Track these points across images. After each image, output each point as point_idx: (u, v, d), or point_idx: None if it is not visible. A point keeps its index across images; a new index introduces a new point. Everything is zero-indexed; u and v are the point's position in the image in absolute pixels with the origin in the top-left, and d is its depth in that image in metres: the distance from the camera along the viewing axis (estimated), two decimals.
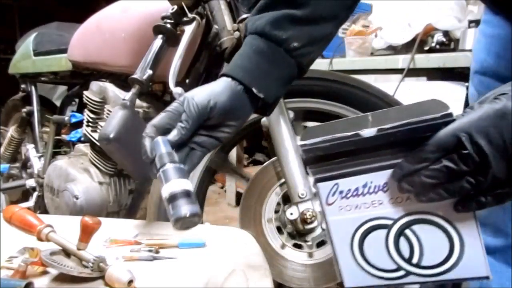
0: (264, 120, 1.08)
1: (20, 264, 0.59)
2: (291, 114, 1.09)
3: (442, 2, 1.69)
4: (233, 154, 2.57)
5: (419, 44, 1.66)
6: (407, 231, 0.44)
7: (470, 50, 1.53)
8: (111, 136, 0.96)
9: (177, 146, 0.55)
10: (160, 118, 0.56)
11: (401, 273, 0.45)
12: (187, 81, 1.21)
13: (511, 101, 0.36)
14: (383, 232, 0.44)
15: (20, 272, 0.59)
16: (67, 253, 0.63)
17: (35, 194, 1.51)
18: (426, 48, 1.72)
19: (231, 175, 1.30)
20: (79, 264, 0.61)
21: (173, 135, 0.55)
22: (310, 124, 1.20)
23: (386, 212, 0.44)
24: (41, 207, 1.47)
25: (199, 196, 1.21)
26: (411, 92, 1.59)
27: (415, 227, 0.43)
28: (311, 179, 0.47)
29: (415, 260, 0.44)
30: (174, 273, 0.63)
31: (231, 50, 1.04)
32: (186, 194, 0.51)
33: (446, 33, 1.69)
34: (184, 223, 0.50)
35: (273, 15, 0.58)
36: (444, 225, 0.42)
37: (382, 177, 0.43)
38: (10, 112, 2.01)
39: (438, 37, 1.68)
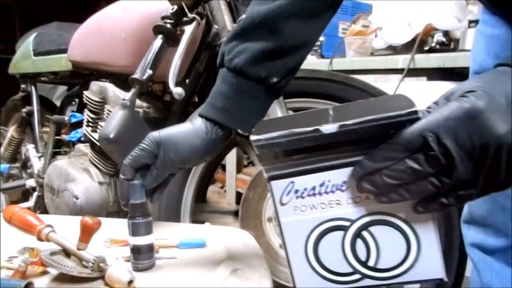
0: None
1: (20, 264, 0.59)
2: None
3: (442, 2, 1.69)
4: (233, 154, 2.57)
5: (419, 44, 1.66)
6: (365, 233, 0.42)
7: (470, 50, 1.53)
8: (111, 136, 0.96)
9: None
10: (135, 159, 0.59)
11: (356, 276, 0.43)
12: (187, 81, 1.21)
13: (481, 100, 0.35)
14: (339, 234, 0.42)
15: (20, 272, 0.59)
16: (67, 253, 0.63)
17: (35, 194, 1.51)
18: (426, 48, 1.72)
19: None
20: (79, 264, 0.61)
21: (148, 182, 0.60)
22: None
23: (344, 212, 0.42)
24: (41, 207, 1.47)
25: (199, 196, 1.21)
26: (411, 92, 1.59)
27: (373, 229, 0.41)
28: (265, 176, 0.43)
29: (371, 262, 0.42)
30: (174, 273, 0.63)
31: None
32: (150, 249, 0.63)
33: (446, 33, 1.69)
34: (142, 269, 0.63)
35: (251, 53, 0.56)
36: (402, 226, 0.41)
37: (341, 175, 0.40)
38: (10, 112, 2.01)
39: (438, 37, 1.68)
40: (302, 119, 0.41)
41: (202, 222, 1.15)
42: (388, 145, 0.37)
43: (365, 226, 0.42)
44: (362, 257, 0.42)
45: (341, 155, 0.40)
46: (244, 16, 0.59)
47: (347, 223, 0.42)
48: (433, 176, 0.36)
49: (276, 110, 1.01)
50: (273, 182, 0.42)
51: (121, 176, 0.60)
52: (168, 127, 0.61)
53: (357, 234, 0.42)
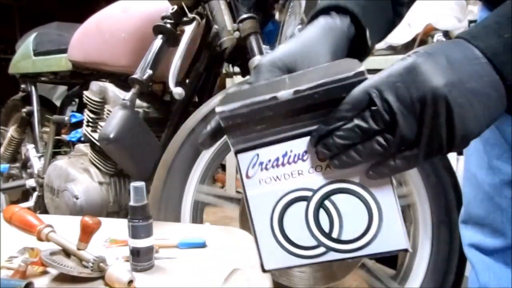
0: None
1: (20, 264, 0.59)
2: None
3: (442, 2, 1.69)
4: (233, 154, 2.57)
5: (419, 44, 1.66)
6: (327, 203, 0.41)
7: None
8: (111, 136, 0.96)
9: None
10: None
11: (321, 250, 0.42)
12: (187, 81, 1.21)
13: (421, 57, 0.36)
14: (303, 205, 0.41)
15: (20, 272, 0.59)
16: (67, 253, 0.63)
17: (35, 194, 1.51)
18: None
19: None
20: (79, 264, 0.61)
21: None
22: None
23: (306, 182, 0.41)
24: (41, 207, 1.47)
25: (205, 177, 1.20)
26: None
27: (335, 198, 0.41)
28: (232, 150, 0.42)
29: (335, 234, 0.41)
30: (174, 273, 0.63)
31: (231, 50, 1.04)
32: (149, 251, 0.64)
33: (446, 33, 1.69)
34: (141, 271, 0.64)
35: None
36: (363, 194, 0.40)
37: (302, 144, 0.40)
38: (10, 112, 2.01)
39: (438, 37, 1.68)
40: (263, 89, 0.41)
41: (203, 204, 1.14)
42: (339, 106, 0.38)
43: (327, 195, 0.41)
44: (326, 228, 0.41)
45: (301, 124, 0.40)
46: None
47: (309, 193, 0.41)
48: (379, 135, 0.37)
49: None
50: (239, 155, 0.42)
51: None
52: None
53: (320, 204, 0.41)
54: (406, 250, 0.41)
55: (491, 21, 0.39)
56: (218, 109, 0.40)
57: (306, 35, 0.48)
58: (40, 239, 0.63)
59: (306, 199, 0.41)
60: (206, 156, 1.12)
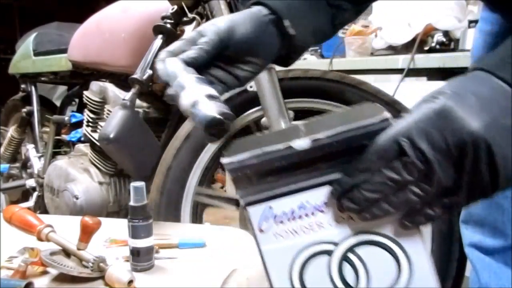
0: (264, 120, 1.08)
1: (20, 264, 0.59)
2: (291, 114, 1.09)
3: (442, 2, 1.69)
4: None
5: (419, 44, 1.66)
6: (351, 255, 0.38)
7: (470, 50, 1.53)
8: (111, 136, 0.96)
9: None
10: (176, 44, 0.51)
11: None
12: None
13: (450, 99, 0.33)
14: (325, 258, 0.39)
15: (20, 272, 0.59)
16: (67, 253, 0.63)
17: (35, 194, 1.51)
18: (426, 48, 1.72)
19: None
20: (79, 264, 0.61)
21: (188, 54, 0.49)
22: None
23: (327, 235, 0.38)
24: (41, 207, 1.47)
25: (205, 178, 1.21)
26: (411, 92, 1.59)
27: (360, 250, 0.38)
28: (241, 203, 0.40)
29: (361, 287, 0.39)
30: (174, 273, 0.63)
31: None
32: (149, 251, 0.55)
33: (446, 33, 1.69)
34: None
35: None
36: (390, 245, 0.38)
37: (320, 195, 0.37)
38: (10, 112, 2.01)
39: (438, 37, 1.68)
40: (274, 137, 0.39)
41: (203, 205, 1.14)
42: (363, 156, 0.35)
43: (351, 248, 0.39)
44: (352, 282, 0.39)
45: (318, 173, 0.37)
46: None
47: (332, 247, 0.39)
48: (414, 185, 0.34)
49: (276, 110, 1.01)
50: (250, 208, 0.39)
51: (156, 60, 0.51)
52: None
53: (344, 258, 0.39)
54: None
55: (506, 52, 0.37)
56: (225, 161, 0.38)
57: (234, 14, 0.53)
58: (40, 239, 0.63)
59: (328, 252, 0.39)
60: (205, 157, 1.12)
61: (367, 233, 0.38)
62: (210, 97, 0.45)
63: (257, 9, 0.54)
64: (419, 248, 0.38)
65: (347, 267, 0.39)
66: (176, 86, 0.46)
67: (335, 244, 0.39)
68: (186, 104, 0.45)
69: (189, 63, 0.48)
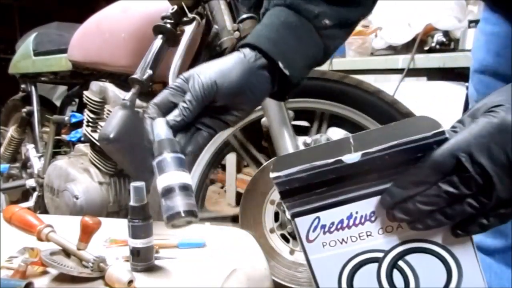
0: (264, 120, 1.08)
1: (20, 264, 0.59)
2: (291, 114, 1.09)
3: (442, 2, 1.69)
4: (233, 154, 2.57)
5: (419, 44, 1.66)
6: (400, 263, 0.39)
7: (470, 50, 1.52)
8: (111, 136, 0.96)
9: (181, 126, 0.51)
10: (162, 96, 0.51)
11: None
12: None
13: (510, 113, 0.33)
14: (374, 266, 0.40)
15: (20, 272, 0.59)
16: (67, 253, 0.63)
17: (35, 194, 1.51)
18: (426, 48, 1.72)
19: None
20: (79, 264, 0.61)
21: (174, 115, 0.50)
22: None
23: (376, 244, 0.39)
24: (41, 207, 1.47)
25: (199, 195, 1.21)
26: (411, 92, 1.59)
27: (409, 257, 0.39)
28: (287, 214, 0.40)
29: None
30: (174, 273, 0.63)
31: (231, 50, 1.04)
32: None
33: (446, 33, 1.69)
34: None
35: None
36: (440, 252, 0.38)
37: (369, 205, 0.38)
38: (10, 112, 2.01)
39: (438, 37, 1.68)
40: (322, 151, 0.39)
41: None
42: (418, 169, 0.35)
43: (400, 256, 0.39)
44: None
45: (367, 184, 0.38)
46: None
47: (380, 254, 0.40)
48: (471, 198, 0.34)
49: (276, 110, 1.01)
50: (297, 219, 0.40)
51: (145, 115, 0.52)
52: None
53: (393, 265, 0.40)
54: None
55: None
56: (273, 175, 0.38)
57: (221, 62, 0.52)
58: (40, 239, 0.63)
59: (377, 260, 0.40)
60: (206, 156, 1.13)
61: (417, 241, 0.39)
62: (183, 188, 0.46)
63: (246, 54, 0.52)
64: (470, 254, 0.38)
65: (396, 274, 0.40)
66: (157, 162, 0.48)
67: (385, 252, 0.39)
68: (160, 189, 0.47)
69: (175, 123, 0.50)
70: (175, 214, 0.46)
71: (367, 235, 0.39)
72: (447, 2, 1.69)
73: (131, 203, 0.62)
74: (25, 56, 1.68)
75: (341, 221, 0.39)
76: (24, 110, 1.75)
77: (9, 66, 1.80)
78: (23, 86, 1.79)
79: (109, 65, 1.26)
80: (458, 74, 1.54)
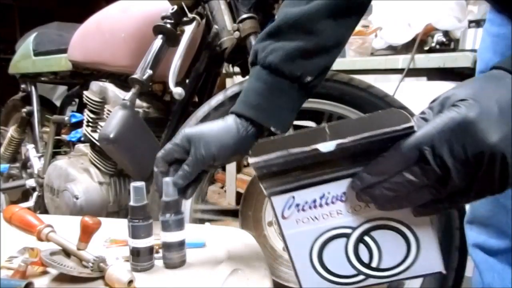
0: None
1: (20, 264, 0.59)
2: None
3: (442, 2, 1.69)
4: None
5: (419, 44, 1.66)
6: (366, 238, 0.43)
7: (470, 50, 1.53)
8: (111, 136, 0.96)
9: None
10: (167, 152, 0.61)
11: (361, 277, 0.45)
12: (187, 81, 1.21)
13: (472, 110, 0.35)
14: (342, 240, 0.44)
15: (20, 272, 0.59)
16: (67, 253, 0.63)
17: (35, 194, 1.51)
18: (426, 48, 1.72)
19: None
20: (79, 264, 0.61)
21: (178, 176, 0.60)
22: (310, 124, 1.20)
23: (345, 221, 0.43)
24: (41, 207, 1.47)
25: (199, 195, 1.21)
26: (411, 92, 1.59)
27: (374, 233, 0.43)
28: (265, 193, 0.44)
29: (374, 264, 0.44)
30: (174, 273, 0.63)
31: (231, 50, 1.04)
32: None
33: (446, 33, 1.69)
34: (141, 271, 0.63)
35: (286, 51, 0.58)
36: (401, 228, 0.42)
37: (340, 187, 0.42)
38: (10, 112, 2.01)
39: (438, 37, 1.68)
40: (299, 138, 0.41)
41: (202, 221, 1.15)
42: (386, 159, 0.38)
43: (366, 232, 0.43)
44: (365, 259, 0.44)
45: (339, 168, 0.41)
46: (276, 17, 0.61)
47: (349, 231, 0.43)
48: (430, 186, 0.37)
49: None
50: (274, 198, 0.43)
51: (155, 169, 0.62)
52: (201, 123, 0.64)
53: (359, 240, 0.43)
54: (440, 272, 0.44)
55: None
56: (251, 160, 0.41)
57: (220, 133, 0.60)
58: (40, 239, 0.63)
59: (346, 235, 0.44)
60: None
61: (382, 219, 0.43)
62: (180, 244, 0.64)
63: (240, 126, 0.60)
64: (429, 233, 0.42)
65: (362, 248, 0.44)
66: (162, 221, 0.63)
67: (352, 228, 0.43)
68: (161, 242, 0.64)
69: (178, 184, 0.61)
70: (172, 265, 0.65)
71: (338, 213, 0.43)
72: (447, 2, 1.69)
73: (131, 203, 0.62)
74: (25, 56, 1.68)
75: (314, 201, 0.42)
76: (24, 110, 1.75)
77: (9, 66, 1.80)
78: (23, 86, 1.79)
79: (109, 65, 1.26)
80: (458, 74, 1.54)
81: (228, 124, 0.60)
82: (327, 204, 0.42)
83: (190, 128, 0.61)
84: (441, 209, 0.39)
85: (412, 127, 0.37)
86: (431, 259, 0.43)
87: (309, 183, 0.42)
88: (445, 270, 0.44)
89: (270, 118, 0.60)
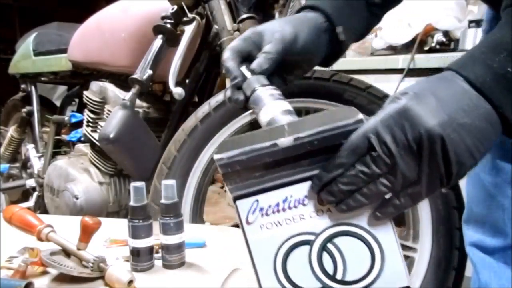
0: None
1: (20, 264, 0.59)
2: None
3: (442, 2, 1.69)
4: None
5: (419, 44, 1.66)
6: (330, 246, 0.42)
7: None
8: (111, 136, 0.96)
9: None
10: (238, 43, 0.53)
11: None
12: (187, 81, 1.21)
13: (411, 100, 0.38)
14: (306, 248, 0.42)
15: (20, 272, 0.59)
16: (67, 253, 0.63)
17: (35, 194, 1.51)
18: (426, 48, 1.72)
19: None
20: (79, 264, 0.61)
21: (258, 63, 0.51)
22: None
23: (308, 227, 0.42)
24: (41, 207, 1.47)
25: (199, 195, 1.21)
26: None
27: (337, 241, 0.42)
28: (230, 196, 0.43)
29: (339, 275, 0.42)
30: (174, 273, 0.63)
31: None
32: (149, 251, 0.60)
33: (446, 33, 1.69)
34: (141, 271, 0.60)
35: None
36: (364, 235, 0.42)
37: (302, 190, 0.41)
38: (10, 112, 2.01)
39: (438, 37, 1.68)
40: (262, 135, 0.42)
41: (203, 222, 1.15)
42: (339, 152, 0.39)
43: (329, 239, 0.42)
44: (330, 270, 0.43)
45: (301, 169, 0.41)
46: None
47: (312, 237, 0.42)
48: (382, 177, 0.38)
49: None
50: (238, 202, 0.43)
51: (224, 59, 0.53)
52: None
53: (323, 247, 0.42)
54: (407, 287, 0.42)
55: (477, 51, 0.42)
56: (216, 157, 0.41)
57: (293, 19, 0.55)
58: (40, 239, 0.63)
59: (309, 243, 0.42)
60: (206, 156, 1.12)
61: (345, 225, 0.42)
62: (286, 112, 0.49)
63: (312, 16, 0.56)
64: (391, 239, 0.42)
65: (326, 257, 0.42)
66: (254, 100, 0.51)
67: (315, 234, 0.42)
68: (264, 121, 0.50)
69: (259, 72, 0.51)
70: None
71: (300, 218, 0.42)
72: (447, 2, 1.69)
73: (131, 203, 0.62)
74: (25, 56, 1.68)
75: (277, 204, 0.42)
76: (24, 110, 1.75)
77: (9, 66, 1.80)
78: (23, 86, 1.79)
79: (109, 65, 1.26)
80: None
81: (300, 16, 0.57)
82: (289, 208, 0.42)
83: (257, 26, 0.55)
84: (399, 207, 0.40)
85: (361, 120, 0.39)
86: (396, 272, 0.42)
87: (273, 186, 0.41)
88: (410, 283, 0.43)
89: (339, 18, 0.57)
